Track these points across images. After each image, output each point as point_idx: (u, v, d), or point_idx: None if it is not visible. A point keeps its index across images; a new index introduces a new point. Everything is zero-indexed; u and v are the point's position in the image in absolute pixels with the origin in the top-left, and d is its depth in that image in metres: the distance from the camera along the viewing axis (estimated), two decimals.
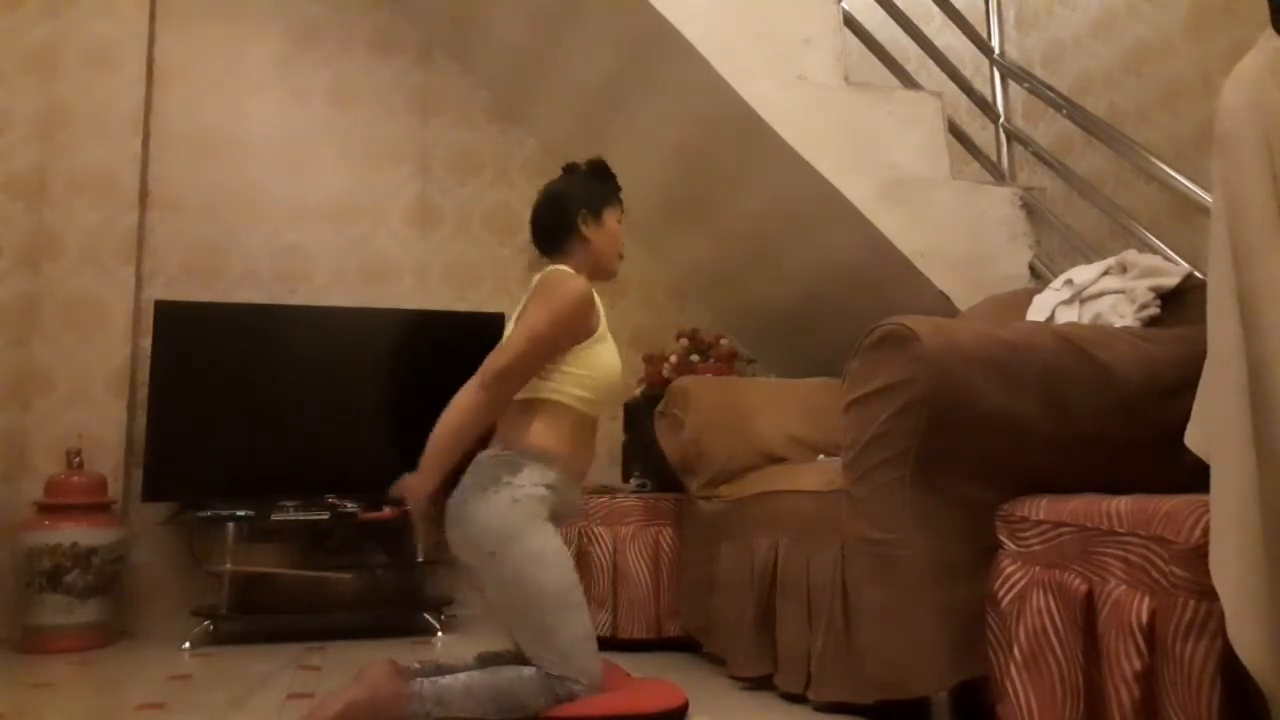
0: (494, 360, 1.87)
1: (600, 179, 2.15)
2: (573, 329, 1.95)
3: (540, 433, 1.93)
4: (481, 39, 3.58)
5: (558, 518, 1.94)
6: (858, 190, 2.66)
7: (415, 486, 1.86)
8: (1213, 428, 1.17)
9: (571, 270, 2.02)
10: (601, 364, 1.99)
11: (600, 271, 2.10)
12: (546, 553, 1.85)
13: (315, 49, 3.69)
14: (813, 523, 2.04)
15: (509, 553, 1.83)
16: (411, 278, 3.67)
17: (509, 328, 2.03)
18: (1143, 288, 2.01)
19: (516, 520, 1.84)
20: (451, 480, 1.92)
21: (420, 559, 3.16)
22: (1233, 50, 2.42)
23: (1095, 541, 1.41)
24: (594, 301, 2.00)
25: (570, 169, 2.17)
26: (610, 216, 2.11)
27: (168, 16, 3.55)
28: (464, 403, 1.87)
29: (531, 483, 1.88)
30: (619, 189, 2.17)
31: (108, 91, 3.39)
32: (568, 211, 2.08)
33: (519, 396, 1.95)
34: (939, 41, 3.27)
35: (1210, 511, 1.15)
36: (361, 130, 3.70)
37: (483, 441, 1.97)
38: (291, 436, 3.25)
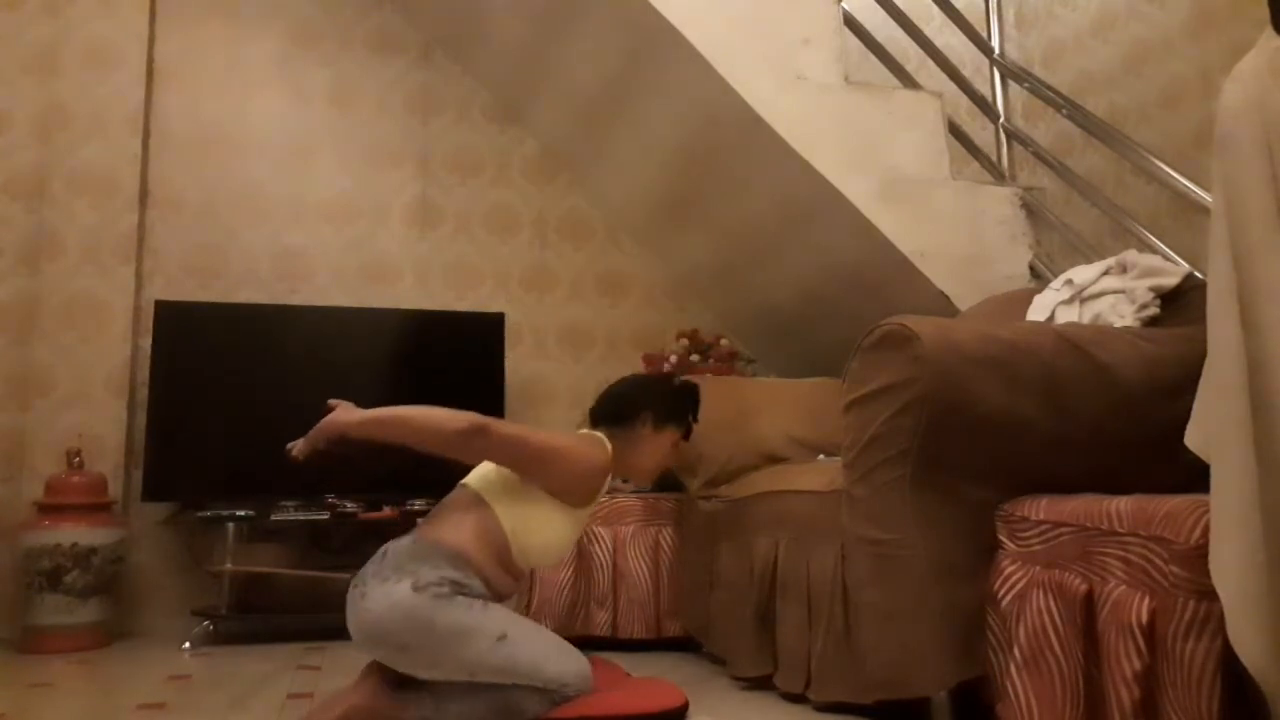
0: (497, 420, 1.85)
1: (686, 400, 2.18)
2: (573, 479, 1.91)
3: (466, 537, 1.80)
4: (481, 39, 3.58)
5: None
6: (857, 190, 2.66)
7: (345, 420, 1.79)
8: (1213, 428, 1.17)
9: (609, 447, 2.02)
10: (559, 538, 1.93)
11: (628, 472, 2.14)
12: (462, 620, 1.70)
13: (315, 49, 3.69)
14: (813, 523, 2.04)
15: (425, 642, 1.69)
16: (411, 278, 3.67)
17: None
18: (1143, 288, 2.01)
19: (421, 607, 1.68)
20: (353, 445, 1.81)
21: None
22: (1233, 50, 2.42)
23: (1095, 541, 1.41)
24: (604, 483, 1.99)
25: (669, 377, 2.21)
26: (668, 436, 2.13)
27: (168, 16, 3.55)
28: (442, 416, 1.79)
29: (435, 572, 1.73)
30: (694, 420, 2.19)
31: (108, 91, 3.39)
32: (639, 404, 2.10)
33: (475, 490, 1.89)
34: (939, 41, 3.27)
35: (1210, 511, 1.15)
36: (361, 130, 3.70)
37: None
38: (292, 437, 3.20)
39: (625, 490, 3.06)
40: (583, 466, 1.92)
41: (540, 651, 1.77)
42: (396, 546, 1.81)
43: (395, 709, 1.71)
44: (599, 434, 2.06)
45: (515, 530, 1.86)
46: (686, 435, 2.19)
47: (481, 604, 1.75)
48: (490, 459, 1.91)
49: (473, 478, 1.95)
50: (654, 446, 2.10)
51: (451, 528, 1.83)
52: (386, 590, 1.70)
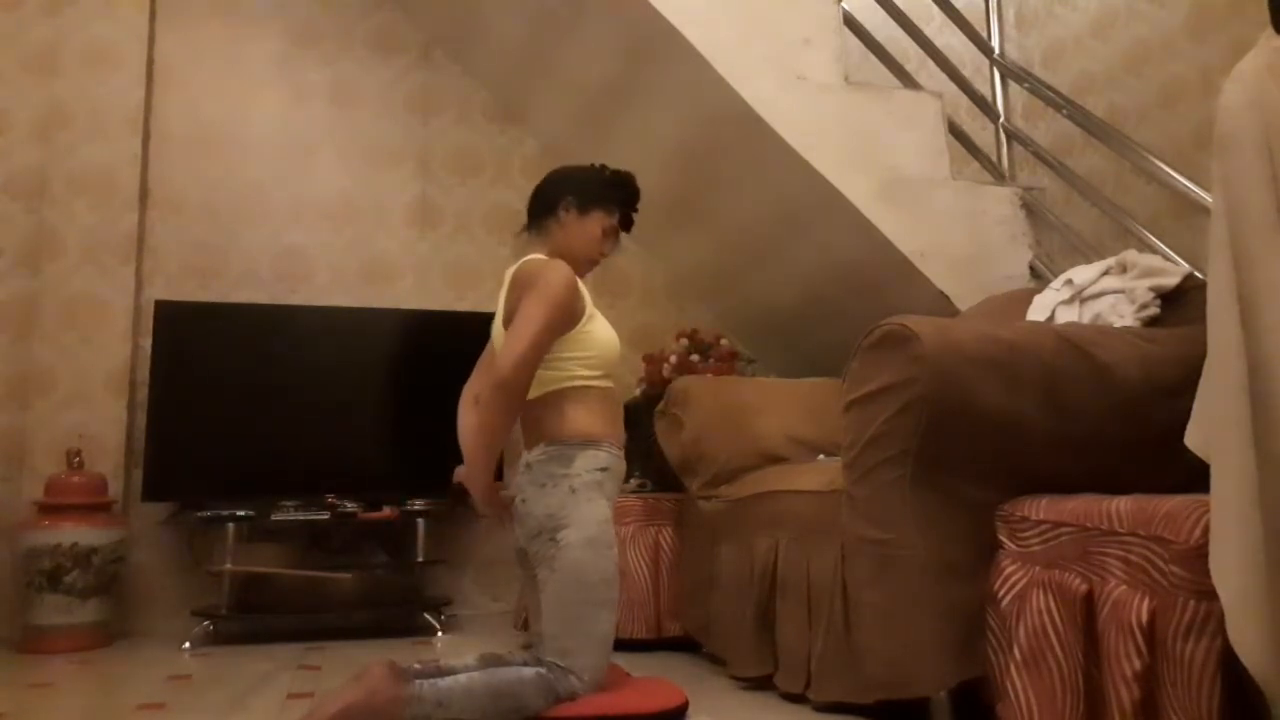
0: (504, 366, 1.87)
1: (611, 185, 2.14)
2: (564, 319, 1.96)
3: (575, 419, 1.96)
4: (481, 39, 3.58)
5: (611, 495, 1.99)
6: (857, 190, 2.66)
7: (478, 487, 1.97)
8: (1213, 428, 1.17)
9: (546, 257, 2.04)
10: (600, 341, 2.03)
11: (571, 263, 2.08)
12: (602, 539, 1.89)
13: (315, 48, 3.69)
14: (813, 523, 2.04)
15: (571, 538, 1.87)
16: (411, 278, 3.67)
17: (496, 323, 2.06)
18: (1143, 288, 2.01)
19: (577, 507, 1.89)
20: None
21: (420, 559, 3.17)
22: (1233, 50, 2.42)
23: (1095, 541, 1.41)
24: (578, 286, 2.01)
25: (596, 166, 2.17)
26: (596, 217, 2.10)
27: (168, 16, 3.55)
28: (485, 417, 1.92)
29: (585, 469, 1.93)
30: (625, 202, 2.15)
31: (108, 91, 3.39)
32: (557, 192, 2.11)
33: (536, 394, 1.97)
34: (939, 41, 3.27)
35: (1210, 511, 1.15)
36: (361, 130, 3.70)
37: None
38: (291, 436, 3.25)
39: (625, 490, 3.06)
40: (562, 303, 1.93)
41: (602, 636, 1.87)
42: (534, 458, 1.97)
43: (395, 706, 1.71)
44: (533, 256, 2.05)
45: (582, 376, 1.98)
46: (625, 224, 2.16)
47: (616, 558, 1.93)
48: (530, 380, 1.94)
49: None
50: (582, 230, 2.08)
51: (561, 419, 1.97)
52: (544, 494, 1.92)
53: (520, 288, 1.98)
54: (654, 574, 2.79)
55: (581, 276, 2.08)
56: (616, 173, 2.16)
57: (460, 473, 2.05)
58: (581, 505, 1.90)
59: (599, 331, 2.03)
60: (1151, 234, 2.53)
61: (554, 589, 1.87)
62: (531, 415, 2.00)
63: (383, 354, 3.38)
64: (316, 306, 3.47)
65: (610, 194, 2.13)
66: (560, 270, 1.97)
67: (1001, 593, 1.59)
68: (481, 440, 1.96)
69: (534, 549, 1.93)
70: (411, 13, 3.76)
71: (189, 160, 3.51)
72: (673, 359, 3.35)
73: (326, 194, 3.63)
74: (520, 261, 2.06)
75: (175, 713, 2.07)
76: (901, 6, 3.14)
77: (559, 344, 1.97)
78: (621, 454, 2.05)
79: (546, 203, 2.11)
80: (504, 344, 1.94)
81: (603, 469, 1.96)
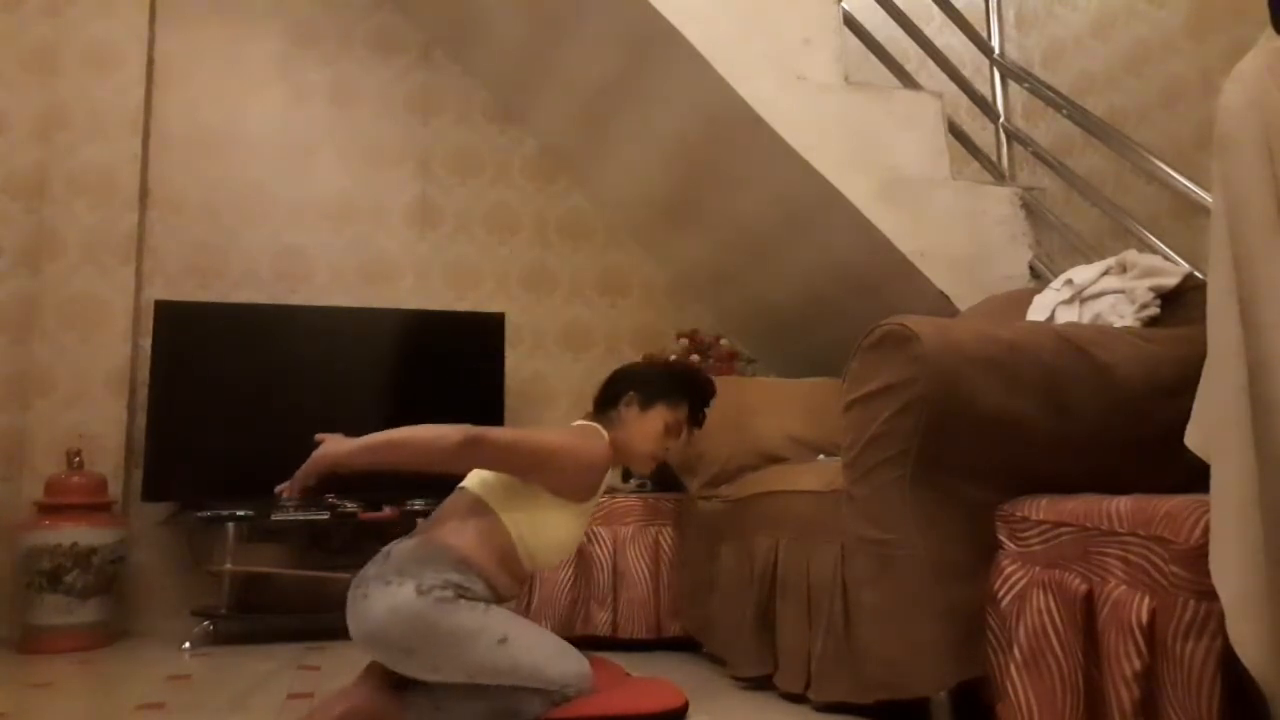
0: (488, 428, 1.81)
1: (681, 383, 2.11)
2: (570, 475, 1.89)
3: (470, 540, 1.80)
4: (481, 39, 3.58)
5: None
6: (857, 190, 2.66)
7: (335, 451, 1.75)
8: (1213, 428, 1.17)
9: (607, 437, 1.99)
10: (565, 535, 1.93)
11: (622, 457, 2.06)
12: (464, 623, 1.70)
13: (315, 48, 3.69)
14: (813, 523, 2.04)
15: (427, 645, 1.68)
16: (411, 278, 3.67)
17: None
18: (1143, 288, 2.01)
19: (424, 610, 1.68)
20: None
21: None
22: (1233, 50, 2.42)
23: (1095, 541, 1.41)
24: (604, 475, 1.97)
25: (672, 363, 2.17)
26: (659, 414, 2.04)
27: (168, 16, 3.55)
28: (432, 434, 1.76)
29: (439, 577, 1.72)
30: (696, 403, 2.11)
31: (108, 91, 3.39)
32: (623, 386, 2.07)
33: (475, 494, 1.88)
34: (939, 41, 3.27)
35: (1210, 511, 1.15)
36: (361, 130, 3.70)
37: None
38: (291, 436, 3.20)
39: (625, 490, 3.06)
40: (580, 461, 1.90)
41: (541, 653, 1.77)
42: (399, 548, 1.80)
43: (395, 710, 1.70)
44: (594, 425, 2.03)
45: (521, 535, 1.85)
46: (696, 422, 2.13)
47: (484, 607, 1.74)
48: (487, 468, 1.90)
49: (471, 481, 1.94)
50: (642, 428, 2.03)
51: (454, 531, 1.82)
52: (389, 593, 1.69)
53: (569, 428, 2.00)
54: (654, 574, 2.79)
55: (644, 472, 2.13)
56: (689, 370, 2.17)
57: (332, 439, 1.79)
58: (430, 613, 1.68)
59: (571, 524, 1.92)
60: (1151, 234, 2.53)
61: (453, 685, 1.72)
62: (446, 507, 1.90)
63: (383, 354, 3.38)
64: (316, 306, 3.47)
65: (675, 390, 2.08)
66: (603, 444, 1.95)
67: (1001, 593, 1.59)
68: (416, 434, 1.76)
69: (379, 657, 1.75)
70: (411, 13, 3.76)
71: (189, 160, 3.51)
72: (673, 359, 3.35)
73: (326, 194, 3.63)
74: (588, 421, 2.05)
75: (175, 713, 2.07)
76: (901, 6, 3.14)
77: (537, 498, 1.87)
78: (493, 598, 1.82)
79: (611, 395, 2.08)
80: (506, 429, 1.91)
81: (460, 586, 1.73)
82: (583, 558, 2.79)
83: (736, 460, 2.61)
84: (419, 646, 1.68)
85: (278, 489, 1.81)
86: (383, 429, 1.81)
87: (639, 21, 2.69)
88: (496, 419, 3.32)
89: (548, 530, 1.88)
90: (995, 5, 3.36)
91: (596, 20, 2.93)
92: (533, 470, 1.86)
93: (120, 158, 3.38)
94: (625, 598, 2.76)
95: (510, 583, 1.88)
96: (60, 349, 3.25)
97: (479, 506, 1.86)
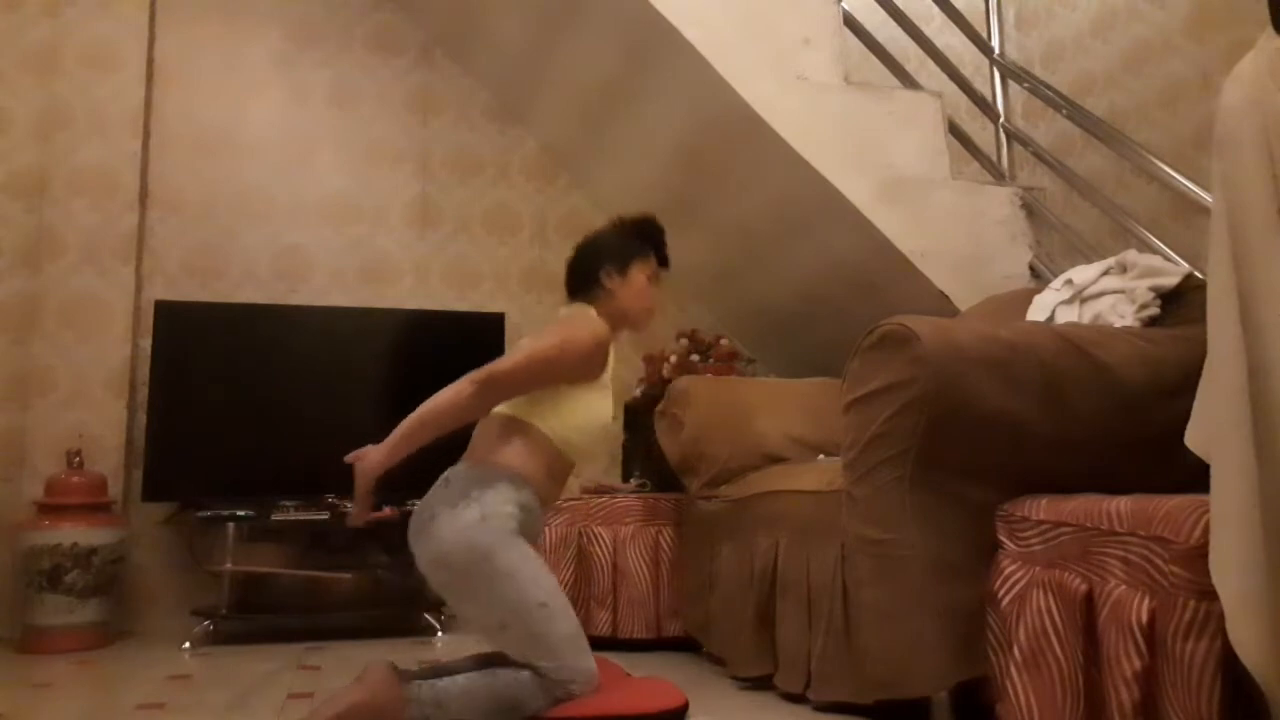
0: (493, 365, 1.89)
1: (637, 235, 2.16)
2: (578, 365, 1.96)
3: (518, 454, 1.93)
4: (481, 39, 3.58)
5: (529, 537, 1.91)
6: (857, 190, 2.66)
7: (374, 459, 1.84)
8: (1213, 428, 1.17)
9: (594, 314, 2.05)
10: (594, 413, 2.00)
11: (625, 323, 2.12)
12: (520, 567, 1.81)
13: (315, 49, 3.69)
14: (813, 523, 2.04)
15: (481, 571, 1.79)
16: (411, 278, 3.67)
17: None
18: (1143, 288, 2.01)
19: (486, 538, 1.80)
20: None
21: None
22: (1233, 50, 2.42)
23: (1095, 541, 1.41)
24: (607, 348, 2.01)
25: (615, 222, 2.18)
26: (638, 272, 2.12)
27: (168, 16, 3.55)
28: (449, 395, 1.86)
29: (502, 501, 1.85)
30: (657, 246, 2.19)
31: (108, 91, 3.39)
32: (593, 264, 2.11)
33: (504, 413, 1.96)
34: (939, 41, 3.27)
35: (1210, 511, 1.15)
36: (361, 130, 3.70)
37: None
38: (291, 436, 3.25)
39: (626, 490, 3.06)
40: (583, 350, 1.95)
41: (569, 638, 1.82)
42: (457, 473, 1.92)
43: (395, 707, 1.71)
44: (580, 305, 2.08)
45: (556, 431, 1.95)
46: (662, 262, 2.20)
47: (540, 562, 1.85)
48: (509, 397, 1.96)
49: None
50: (630, 290, 2.10)
51: (502, 450, 1.93)
52: (455, 514, 1.82)
53: (559, 321, 2.03)
54: (654, 574, 2.79)
55: (644, 328, 2.18)
56: (635, 220, 2.19)
57: (365, 451, 1.87)
58: (490, 542, 1.80)
59: (598, 403, 2.00)
60: (1151, 234, 2.52)
61: (487, 623, 1.84)
62: (484, 430, 1.99)
63: (383, 354, 3.38)
64: (316, 306, 3.47)
65: (638, 244, 2.15)
66: (598, 325, 2.00)
67: (1001, 593, 1.59)
68: (433, 408, 1.85)
69: (435, 577, 1.87)
70: (411, 13, 3.76)
71: (189, 160, 3.51)
72: (673, 359, 3.35)
73: (326, 194, 3.63)
74: (571, 306, 2.10)
75: (175, 713, 2.07)
76: (901, 6, 3.14)
77: (556, 392, 1.95)
78: (543, 511, 1.99)
79: (587, 277, 2.11)
80: (508, 352, 1.94)
81: (519, 505, 1.87)
82: (583, 558, 2.80)
83: (736, 460, 2.61)
84: (474, 572, 1.80)
85: (348, 523, 1.98)
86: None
87: (639, 22, 2.69)
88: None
89: (578, 416, 1.97)
90: (995, 5, 3.36)
91: (596, 20, 2.93)
92: (546, 377, 1.94)
93: (120, 158, 3.38)
94: (625, 597, 2.76)
95: (556, 490, 2.02)
96: (60, 349, 3.25)
97: (512, 424, 1.96)
